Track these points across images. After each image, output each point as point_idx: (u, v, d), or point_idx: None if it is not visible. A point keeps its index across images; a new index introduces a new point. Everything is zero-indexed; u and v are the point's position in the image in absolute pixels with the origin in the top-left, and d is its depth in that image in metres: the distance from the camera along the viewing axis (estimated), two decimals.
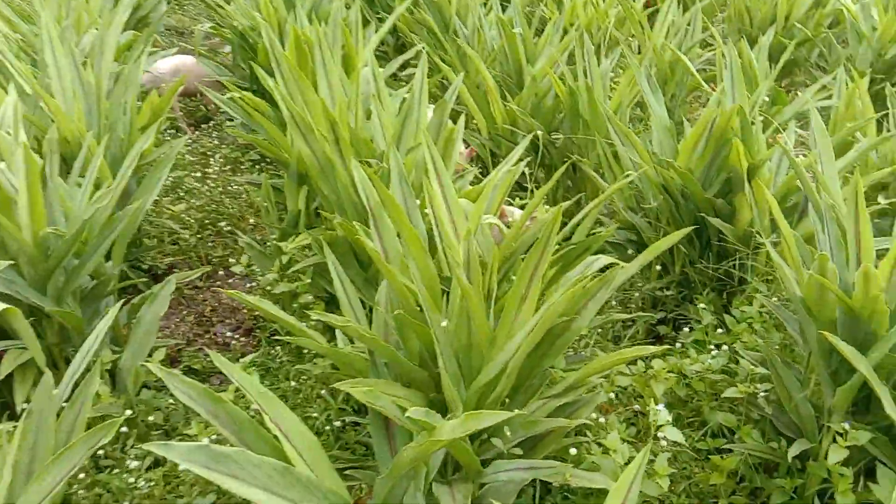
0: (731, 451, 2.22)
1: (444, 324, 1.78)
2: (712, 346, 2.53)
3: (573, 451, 1.80)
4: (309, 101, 2.42)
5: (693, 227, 2.58)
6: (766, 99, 3.58)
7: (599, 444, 1.97)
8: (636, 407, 2.50)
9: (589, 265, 2.39)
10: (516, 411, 1.60)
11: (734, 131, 2.49)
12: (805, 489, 2.08)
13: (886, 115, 3.23)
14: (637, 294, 3.03)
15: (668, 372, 2.57)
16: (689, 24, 4.74)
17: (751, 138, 2.48)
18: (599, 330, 2.41)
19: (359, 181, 1.96)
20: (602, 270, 2.16)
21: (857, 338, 1.90)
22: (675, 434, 1.81)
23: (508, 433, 1.80)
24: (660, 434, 1.83)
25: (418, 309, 1.86)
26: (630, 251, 3.01)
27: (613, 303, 3.05)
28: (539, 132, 3.18)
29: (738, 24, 5.52)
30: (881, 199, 3.03)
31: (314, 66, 2.76)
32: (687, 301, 2.96)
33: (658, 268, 2.91)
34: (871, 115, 3.34)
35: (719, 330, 2.57)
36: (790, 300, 2.03)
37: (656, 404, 2.38)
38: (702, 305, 2.61)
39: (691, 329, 2.78)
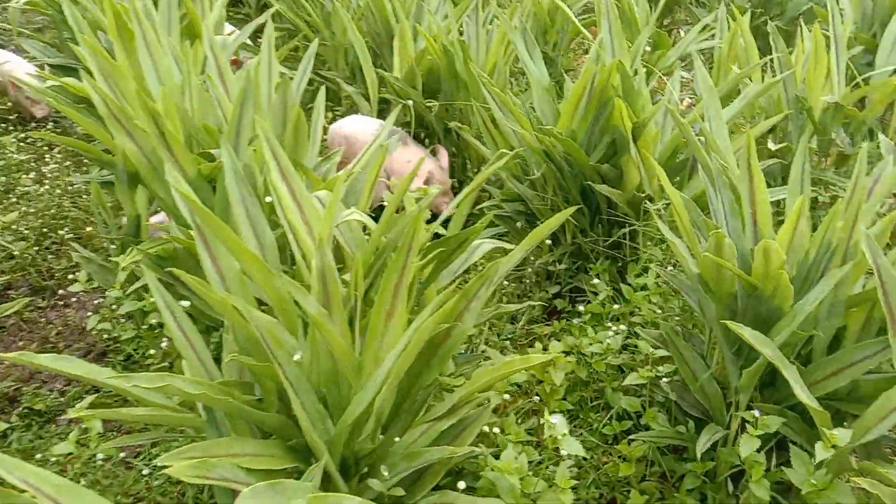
0: (639, 433, 2.07)
1: (297, 357, 1.49)
2: (609, 323, 2.36)
3: (461, 484, 1.57)
4: (124, 88, 2.03)
5: (576, 205, 2.38)
6: (648, 49, 3.40)
7: (497, 457, 1.76)
8: (536, 398, 2.31)
9: (473, 252, 2.15)
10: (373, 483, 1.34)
11: (615, 89, 2.27)
12: (717, 473, 1.94)
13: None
14: (530, 269, 2.82)
15: (568, 353, 2.40)
16: None
17: (633, 95, 2.28)
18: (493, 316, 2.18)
19: (175, 190, 1.62)
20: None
21: (760, 314, 1.74)
22: (574, 447, 1.61)
23: (386, 472, 1.55)
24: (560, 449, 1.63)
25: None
26: (519, 223, 2.79)
27: (505, 282, 2.83)
28: (410, 101, 2.88)
29: None
30: (771, 145, 2.91)
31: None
32: (582, 272, 2.78)
33: (549, 241, 2.70)
34: (755, 54, 3.22)
35: (616, 305, 2.40)
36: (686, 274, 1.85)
37: (552, 408, 2.21)
38: (595, 279, 2.42)
39: (588, 302, 2.61)
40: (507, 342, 2.68)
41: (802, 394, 1.59)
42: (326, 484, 1.62)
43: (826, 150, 3.15)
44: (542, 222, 2.77)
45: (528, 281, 2.87)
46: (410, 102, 2.96)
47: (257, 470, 1.42)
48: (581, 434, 2.30)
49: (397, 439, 1.67)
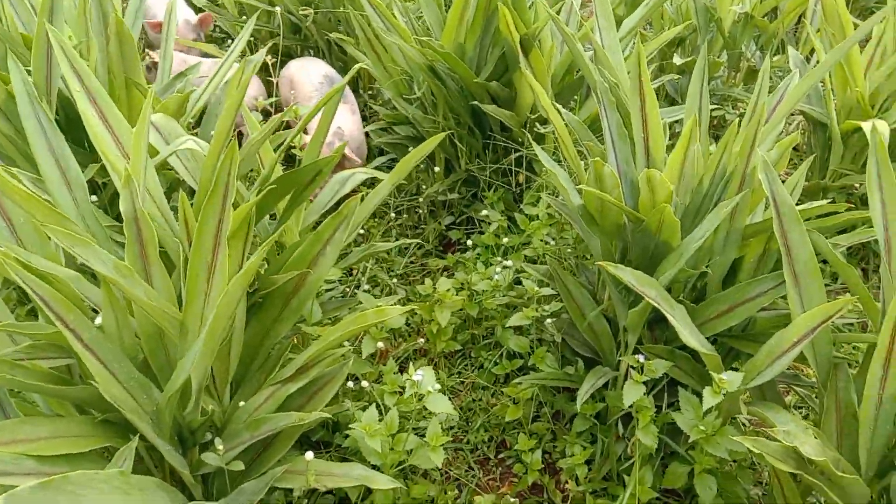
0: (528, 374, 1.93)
1: (98, 321, 1.24)
2: (499, 258, 2.17)
3: (309, 454, 1.37)
4: None
5: (466, 127, 2.14)
6: None
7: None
8: (422, 339, 2.13)
9: (344, 183, 1.91)
10: (208, 457, 1.12)
11: None
12: (608, 415, 1.82)
13: None
14: (422, 199, 2.59)
15: (458, 290, 2.22)
16: None
17: (522, 3, 2.02)
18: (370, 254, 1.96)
19: None
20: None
21: (648, 248, 1.57)
22: (441, 405, 1.43)
23: (220, 445, 1.34)
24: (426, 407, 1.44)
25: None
26: (411, 148, 2.54)
27: (393, 213, 2.60)
28: (278, 8, 2.54)
29: None
30: (677, 59, 2.71)
31: None
32: (478, 201, 2.57)
33: (437, 168, 2.47)
34: None
35: (505, 240, 2.21)
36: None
37: (438, 349, 2.03)
38: (486, 210, 2.22)
39: (482, 233, 2.42)
40: (397, 279, 2.48)
41: (690, 338, 1.44)
42: (159, 462, 1.40)
43: (736, 64, 2.99)
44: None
45: (421, 212, 2.65)
46: (278, 9, 2.62)
47: (55, 456, 1.19)
48: (470, 375, 2.15)
49: (242, 404, 1.46)
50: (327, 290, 2.18)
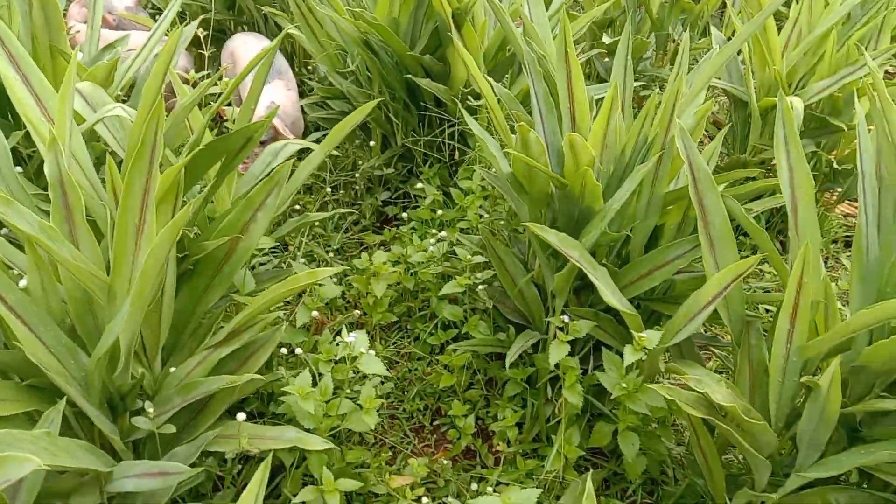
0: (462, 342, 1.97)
1: (22, 283, 1.23)
2: (434, 231, 2.21)
3: (241, 415, 1.38)
4: None
5: (402, 101, 2.16)
6: None
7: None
8: (358, 311, 2.16)
9: (276, 154, 1.91)
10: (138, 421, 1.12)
11: None
12: (538, 378, 1.88)
13: None
14: (358, 174, 2.61)
15: (395, 263, 2.24)
16: None
17: None
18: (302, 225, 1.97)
19: None
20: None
21: (573, 214, 1.63)
22: (374, 366, 1.46)
23: (151, 409, 1.34)
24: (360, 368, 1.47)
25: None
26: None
27: (329, 189, 2.61)
28: None
29: None
30: (605, 39, 2.79)
31: None
32: (414, 176, 2.60)
33: (372, 143, 2.49)
34: None
35: (439, 212, 2.24)
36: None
37: (374, 321, 2.06)
38: (420, 184, 2.25)
39: (417, 207, 2.45)
40: (334, 253, 2.49)
41: (612, 298, 1.51)
42: (88, 428, 1.39)
43: (664, 45, 3.08)
44: (369, 124, 2.57)
45: (358, 188, 2.66)
46: None
47: None
48: (406, 346, 2.19)
49: (173, 370, 1.46)
50: (262, 264, 2.18)
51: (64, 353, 1.30)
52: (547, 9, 2.06)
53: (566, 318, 1.58)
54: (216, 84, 2.21)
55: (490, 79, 1.86)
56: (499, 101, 1.80)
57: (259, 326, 1.47)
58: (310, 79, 2.83)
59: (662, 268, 1.62)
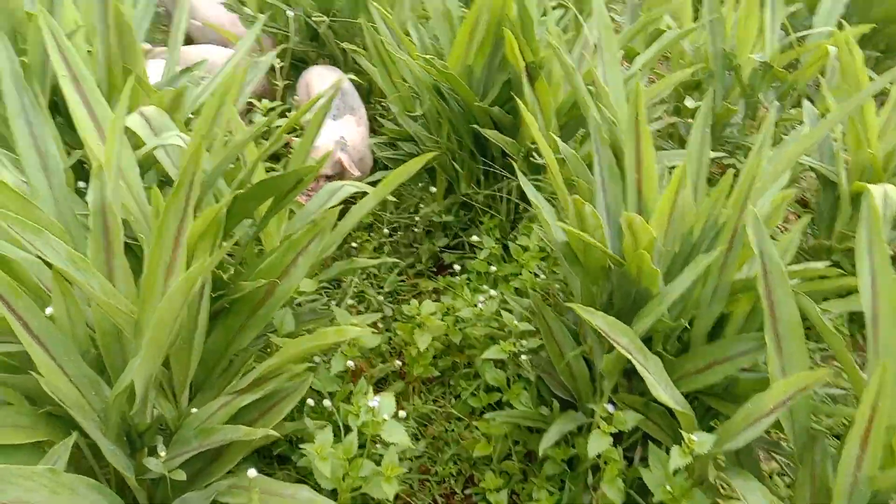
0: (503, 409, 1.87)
1: (49, 311, 1.21)
2: (486, 286, 2.13)
3: (252, 472, 1.32)
4: None
5: (469, 150, 2.10)
6: None
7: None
8: (399, 362, 2.08)
9: (332, 195, 1.88)
10: (150, 462, 1.08)
11: (510, 21, 1.98)
12: (578, 462, 1.75)
13: None
14: (419, 217, 2.56)
15: (445, 314, 2.17)
16: None
17: (530, 30, 1.98)
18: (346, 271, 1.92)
19: None
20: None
21: (629, 294, 1.52)
22: (397, 434, 1.38)
23: (163, 452, 1.29)
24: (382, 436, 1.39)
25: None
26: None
27: (387, 230, 2.57)
28: (291, 12, 2.52)
29: None
30: (689, 102, 2.67)
31: None
32: (475, 225, 2.53)
33: (434, 189, 2.44)
34: None
35: (492, 268, 2.16)
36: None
37: (415, 374, 1.98)
38: (479, 236, 2.17)
39: (474, 257, 2.37)
40: (385, 296, 2.44)
41: (662, 392, 1.38)
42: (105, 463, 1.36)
43: (754, 112, 2.94)
44: (434, 168, 2.52)
45: (417, 230, 2.61)
46: (291, 14, 2.60)
47: None
48: (446, 404, 2.10)
49: (194, 410, 1.41)
50: (310, 301, 2.14)
51: (85, 384, 1.27)
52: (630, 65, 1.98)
53: (611, 408, 1.46)
54: (286, 115, 2.21)
55: (557, 138, 1.78)
56: (563, 161, 1.72)
57: (285, 377, 1.41)
58: (382, 116, 2.81)
59: (724, 363, 1.49)
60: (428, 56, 2.00)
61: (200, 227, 1.30)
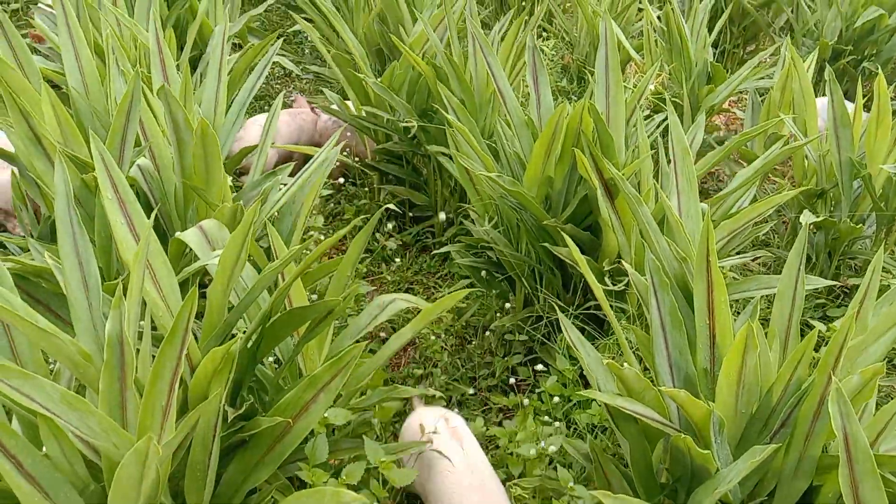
0: None
1: (45, 450, 1.18)
2: (554, 417, 1.95)
3: None
4: (8, 78, 1.78)
5: (548, 262, 1.95)
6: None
7: None
8: None
9: (383, 309, 1.79)
10: None
11: (588, 136, 1.84)
12: None
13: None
14: (493, 326, 2.42)
15: (509, 441, 2.00)
16: None
17: (610, 145, 1.84)
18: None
19: None
20: None
21: (686, 466, 1.30)
22: None
23: None
24: None
25: None
26: (484, 272, 2.40)
27: (456, 341, 2.44)
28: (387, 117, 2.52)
29: None
30: (806, 216, 2.38)
31: None
32: (552, 343, 2.35)
33: (508, 305, 2.30)
34: (812, 101, 2.68)
35: (555, 400, 1.98)
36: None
37: None
38: (537, 370, 2.00)
39: (549, 376, 2.20)
40: (457, 408, 2.30)
41: None
42: None
43: (887, 227, 2.59)
44: (510, 274, 2.39)
45: (492, 341, 2.47)
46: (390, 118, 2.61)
47: None
48: None
49: None
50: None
51: None
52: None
53: None
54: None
55: (629, 266, 1.60)
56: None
57: None
58: (465, 217, 2.74)
59: None
60: (494, 175, 1.90)
61: (214, 365, 1.24)
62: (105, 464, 1.26)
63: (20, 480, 1.13)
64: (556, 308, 1.66)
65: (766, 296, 1.82)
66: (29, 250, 1.88)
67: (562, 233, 1.86)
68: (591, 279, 1.38)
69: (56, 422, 1.10)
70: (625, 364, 1.34)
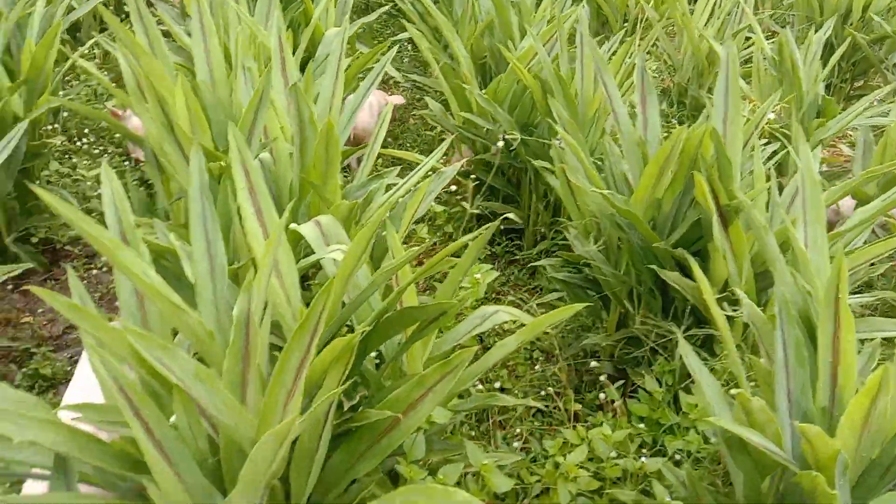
0: None
1: (172, 419, 1.24)
2: (644, 439, 1.91)
3: None
4: (147, 66, 1.88)
5: (649, 284, 1.93)
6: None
7: None
8: None
9: (485, 319, 1.81)
10: None
11: (706, 161, 1.81)
12: None
13: None
14: (585, 342, 2.40)
15: (587, 464, 1.98)
16: (736, 7, 3.94)
17: (728, 171, 1.80)
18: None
19: (106, 196, 1.42)
20: None
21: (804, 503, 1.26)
22: None
23: None
24: None
25: None
26: (578, 290, 2.39)
27: (544, 353, 2.43)
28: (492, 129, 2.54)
29: (807, 12, 4.65)
30: None
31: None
32: (645, 364, 2.32)
33: (603, 323, 2.28)
34: None
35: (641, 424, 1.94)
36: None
37: None
38: (625, 398, 1.97)
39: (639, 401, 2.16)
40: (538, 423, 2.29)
41: None
42: None
43: None
44: (605, 294, 2.36)
45: (581, 359, 2.45)
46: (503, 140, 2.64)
47: None
48: None
49: None
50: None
51: (199, 494, 1.28)
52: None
53: None
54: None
55: (743, 294, 1.57)
56: (745, 325, 1.51)
57: None
58: (558, 233, 2.74)
59: None
60: (606, 192, 1.90)
61: (332, 355, 1.28)
62: (223, 440, 1.31)
63: (149, 446, 1.18)
64: (667, 331, 1.62)
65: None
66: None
67: (673, 257, 1.84)
68: (714, 307, 1.36)
69: (188, 395, 1.15)
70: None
